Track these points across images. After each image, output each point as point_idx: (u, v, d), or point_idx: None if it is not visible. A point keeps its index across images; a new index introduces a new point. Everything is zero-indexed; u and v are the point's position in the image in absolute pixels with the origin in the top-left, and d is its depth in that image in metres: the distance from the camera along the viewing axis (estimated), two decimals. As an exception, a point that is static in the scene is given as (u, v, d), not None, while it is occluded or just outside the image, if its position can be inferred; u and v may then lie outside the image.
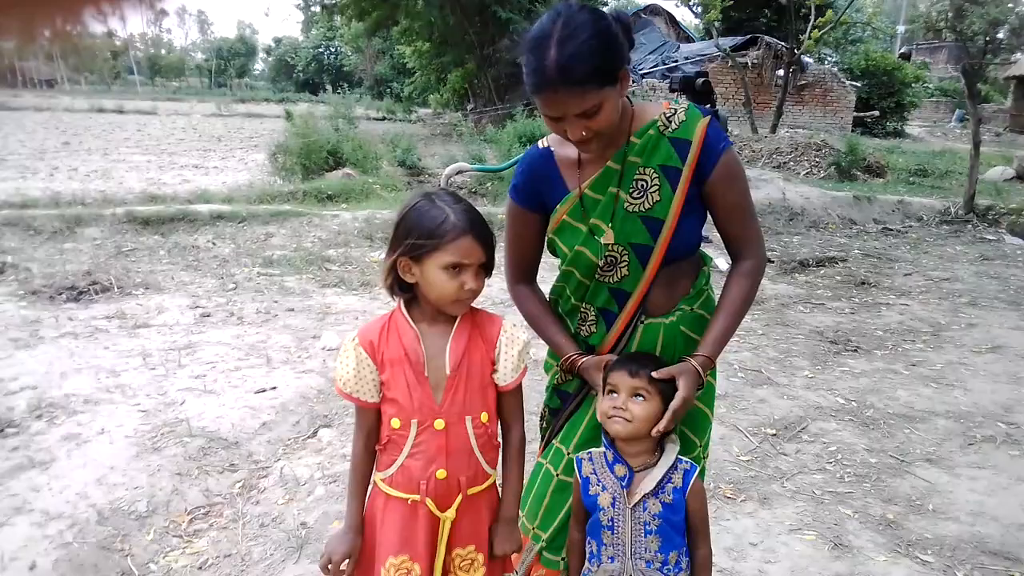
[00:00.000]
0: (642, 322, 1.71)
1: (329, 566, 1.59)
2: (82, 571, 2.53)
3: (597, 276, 1.69)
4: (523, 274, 1.86)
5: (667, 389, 1.57)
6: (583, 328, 1.77)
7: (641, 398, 1.57)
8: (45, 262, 6.43)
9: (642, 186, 1.63)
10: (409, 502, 1.56)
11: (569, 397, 1.85)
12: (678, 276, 1.72)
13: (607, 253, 1.66)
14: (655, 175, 1.62)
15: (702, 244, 1.79)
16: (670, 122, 1.62)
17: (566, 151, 1.71)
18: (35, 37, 0.45)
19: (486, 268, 1.53)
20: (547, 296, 1.88)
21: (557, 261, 1.81)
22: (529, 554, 1.88)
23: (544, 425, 1.98)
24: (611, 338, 1.73)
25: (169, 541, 2.76)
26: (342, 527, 1.66)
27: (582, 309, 1.76)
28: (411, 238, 1.47)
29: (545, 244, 1.83)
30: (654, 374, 1.59)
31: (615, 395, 1.59)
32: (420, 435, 1.54)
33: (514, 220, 1.81)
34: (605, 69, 1.45)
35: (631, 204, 1.64)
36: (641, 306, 1.70)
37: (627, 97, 1.63)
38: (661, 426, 1.55)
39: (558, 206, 1.70)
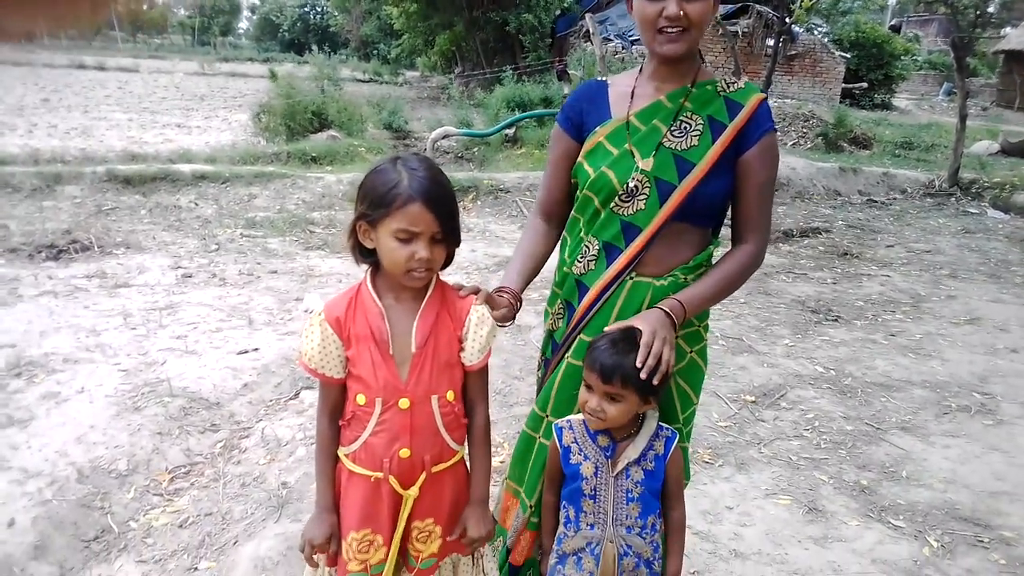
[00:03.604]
0: (631, 278, 1.69)
1: (313, 552, 1.57)
2: (62, 528, 2.54)
3: (613, 207, 1.68)
4: (544, 209, 1.89)
5: (644, 386, 1.53)
6: (580, 264, 1.75)
7: (615, 399, 1.55)
8: (24, 220, 6.34)
9: (685, 128, 1.67)
10: (372, 479, 1.54)
11: (558, 348, 1.83)
12: (684, 241, 1.70)
13: (633, 181, 1.65)
14: (700, 122, 1.66)
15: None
16: (729, 86, 1.70)
17: (621, 86, 1.77)
18: None
19: (446, 240, 1.46)
20: (562, 237, 1.89)
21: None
22: (518, 520, 1.90)
23: (540, 375, 1.97)
24: (606, 279, 1.70)
25: (149, 499, 2.76)
26: (316, 510, 1.62)
27: (586, 242, 1.74)
28: (365, 202, 1.44)
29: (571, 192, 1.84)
30: (607, 329, 1.60)
31: (592, 390, 1.58)
32: (384, 413, 1.51)
33: (552, 145, 1.86)
34: None
35: (669, 141, 1.66)
36: (644, 249, 1.67)
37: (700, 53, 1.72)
38: (644, 373, 1.50)
39: (597, 128, 1.73)
